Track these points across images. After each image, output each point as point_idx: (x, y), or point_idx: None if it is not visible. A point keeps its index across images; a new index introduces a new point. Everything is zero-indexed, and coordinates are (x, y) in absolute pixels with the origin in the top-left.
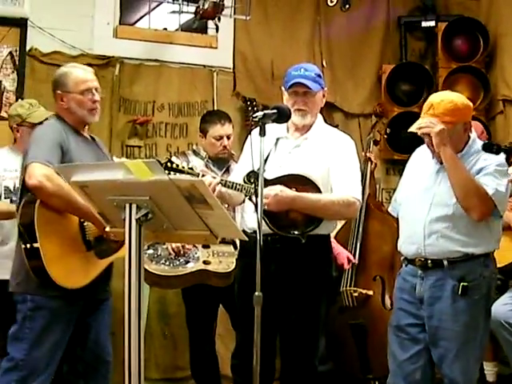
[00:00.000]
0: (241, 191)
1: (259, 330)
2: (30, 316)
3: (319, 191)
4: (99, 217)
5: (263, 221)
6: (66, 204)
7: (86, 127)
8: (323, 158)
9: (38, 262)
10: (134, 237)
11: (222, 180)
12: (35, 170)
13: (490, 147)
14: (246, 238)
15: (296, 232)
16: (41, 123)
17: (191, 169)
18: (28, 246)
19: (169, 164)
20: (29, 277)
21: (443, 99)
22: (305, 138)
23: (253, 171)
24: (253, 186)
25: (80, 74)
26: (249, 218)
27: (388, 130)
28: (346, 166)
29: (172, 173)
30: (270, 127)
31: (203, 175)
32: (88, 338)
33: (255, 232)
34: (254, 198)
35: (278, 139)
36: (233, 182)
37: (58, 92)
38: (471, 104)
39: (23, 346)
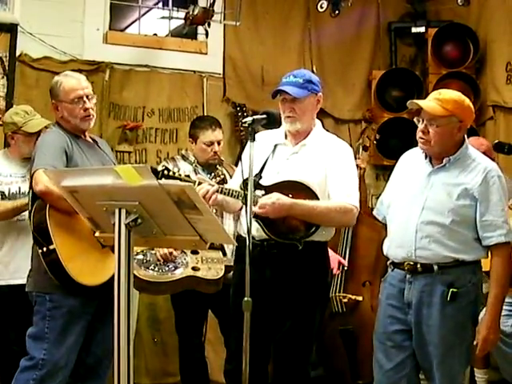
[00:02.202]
0: (238, 198)
1: (248, 336)
2: (49, 316)
3: (316, 198)
4: (89, 222)
5: (260, 227)
6: None
7: (87, 132)
8: (321, 165)
9: (55, 263)
10: (124, 242)
11: (219, 187)
12: (41, 176)
13: (502, 147)
14: (236, 243)
15: (293, 238)
16: (37, 133)
17: (188, 176)
18: (44, 249)
19: (165, 172)
20: (46, 276)
21: (453, 91)
22: (303, 144)
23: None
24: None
25: (70, 83)
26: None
27: (378, 136)
28: (343, 173)
29: (169, 180)
30: (268, 133)
31: (200, 183)
32: (93, 340)
33: (252, 237)
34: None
35: (276, 145)
36: (229, 189)
37: (53, 101)
38: (473, 111)
39: (43, 346)
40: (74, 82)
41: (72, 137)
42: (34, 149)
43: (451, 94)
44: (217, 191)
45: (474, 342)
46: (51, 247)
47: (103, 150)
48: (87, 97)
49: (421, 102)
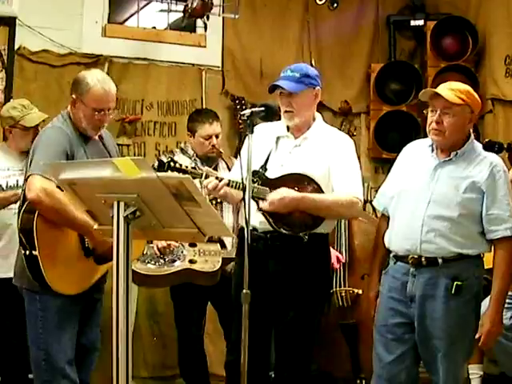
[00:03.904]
0: (244, 190)
1: (247, 328)
2: (41, 316)
3: (321, 190)
4: (88, 215)
5: (266, 220)
6: (62, 219)
7: None
8: (323, 158)
9: (36, 270)
10: (122, 234)
11: (229, 180)
12: (35, 184)
13: (492, 146)
14: (234, 235)
15: (299, 231)
16: (34, 127)
17: (194, 168)
18: (27, 252)
19: (172, 164)
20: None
21: (461, 84)
22: (304, 137)
23: (255, 170)
24: (255, 184)
25: (99, 92)
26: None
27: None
28: (346, 166)
29: (175, 172)
30: (270, 126)
31: (207, 176)
32: (82, 334)
33: (255, 229)
34: (260, 203)
35: (278, 138)
36: (237, 182)
37: (73, 96)
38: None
39: (42, 346)
40: (102, 93)
41: (78, 133)
42: (33, 144)
43: (462, 85)
44: (227, 185)
45: (477, 335)
46: (34, 253)
47: (107, 146)
48: (108, 109)
49: (438, 90)
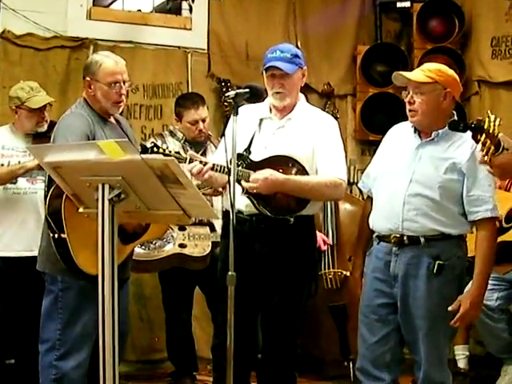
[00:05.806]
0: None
1: (233, 310)
2: (61, 296)
3: (305, 172)
4: (73, 198)
5: (251, 203)
6: None
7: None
8: (307, 139)
9: (65, 252)
10: (107, 217)
11: (213, 165)
12: None
13: (456, 125)
14: (219, 218)
15: (284, 214)
16: (39, 109)
17: (178, 153)
18: (56, 236)
19: (155, 149)
20: (57, 260)
21: (437, 64)
22: (288, 118)
23: (239, 153)
24: (240, 168)
25: (110, 65)
26: None
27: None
28: (330, 147)
29: None
30: (252, 107)
31: (191, 160)
32: None
33: (240, 212)
34: (242, 181)
35: (261, 120)
36: (221, 166)
37: (87, 79)
38: (459, 82)
39: (57, 326)
40: (113, 65)
41: (97, 117)
42: (53, 132)
43: (434, 64)
44: (211, 169)
45: (450, 308)
46: (63, 236)
47: (125, 131)
48: (123, 82)
49: (404, 73)
